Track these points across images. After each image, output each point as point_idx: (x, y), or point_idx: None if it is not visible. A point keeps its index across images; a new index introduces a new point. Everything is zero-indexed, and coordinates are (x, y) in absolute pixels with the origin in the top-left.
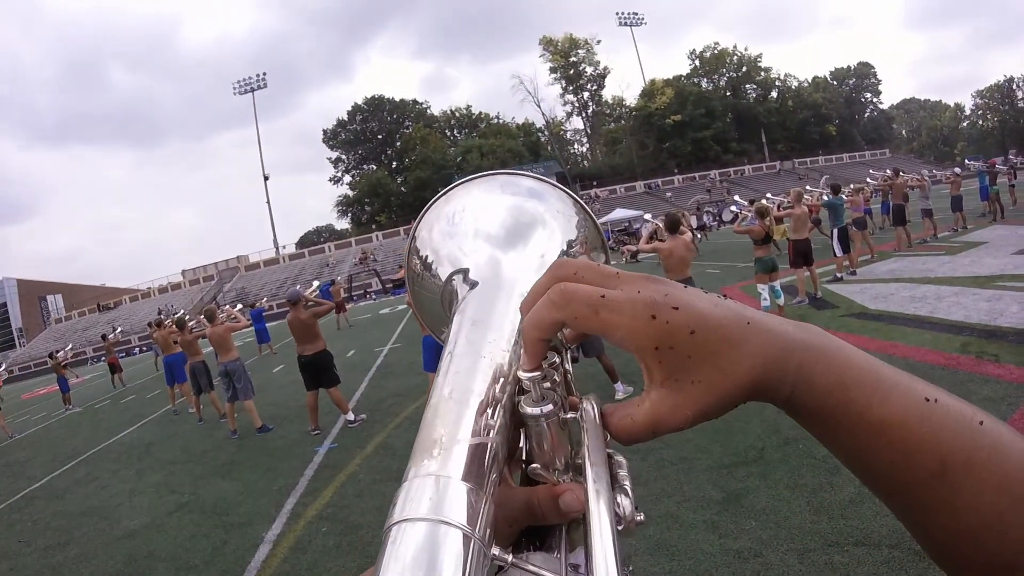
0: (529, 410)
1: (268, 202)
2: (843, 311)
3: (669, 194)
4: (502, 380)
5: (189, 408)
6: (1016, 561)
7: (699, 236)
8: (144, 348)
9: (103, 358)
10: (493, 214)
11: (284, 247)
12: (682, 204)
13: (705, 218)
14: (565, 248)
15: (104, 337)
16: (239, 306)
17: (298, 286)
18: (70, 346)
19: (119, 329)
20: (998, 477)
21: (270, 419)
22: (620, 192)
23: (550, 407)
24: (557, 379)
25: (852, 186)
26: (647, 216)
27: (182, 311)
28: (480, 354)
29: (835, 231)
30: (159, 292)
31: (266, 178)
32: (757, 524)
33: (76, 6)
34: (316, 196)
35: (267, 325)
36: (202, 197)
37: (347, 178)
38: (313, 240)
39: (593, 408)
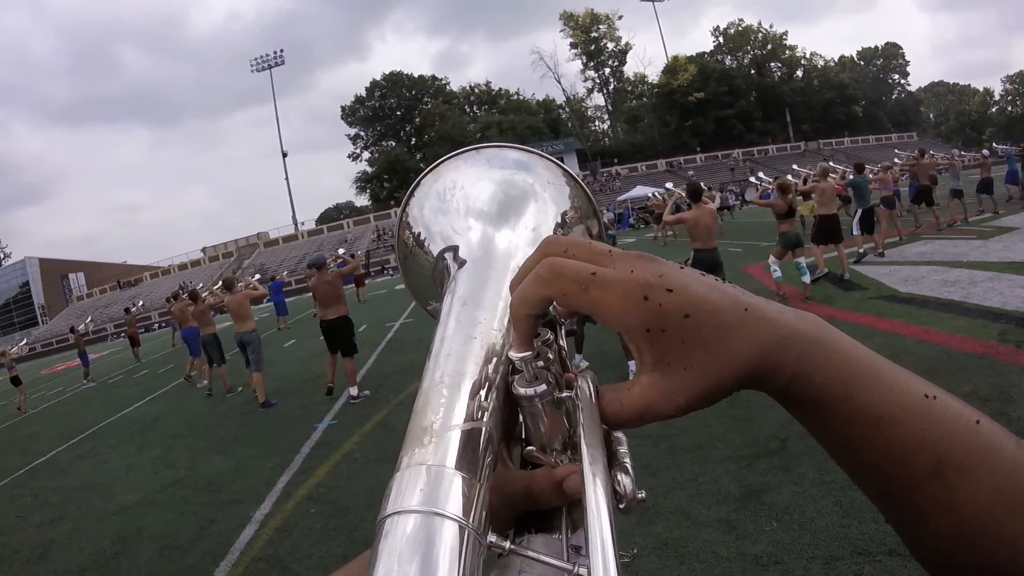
0: (522, 391)
1: (287, 179)
2: (872, 293)
3: (691, 173)
4: (495, 360)
5: (203, 380)
6: (1009, 565)
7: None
8: (163, 324)
9: (123, 333)
10: (483, 189)
11: (303, 223)
12: (704, 183)
13: (729, 197)
14: (559, 220)
15: (127, 311)
16: (257, 276)
17: (325, 253)
18: (89, 318)
19: (140, 303)
20: (993, 479)
21: (274, 393)
22: (641, 170)
23: (543, 387)
24: (551, 356)
25: (881, 164)
26: (668, 185)
27: (200, 286)
28: (471, 335)
29: (859, 211)
30: (179, 269)
31: (284, 155)
32: (779, 525)
33: None
34: (334, 174)
35: (286, 300)
36: (220, 175)
37: (366, 154)
38: (332, 216)
39: (588, 386)
